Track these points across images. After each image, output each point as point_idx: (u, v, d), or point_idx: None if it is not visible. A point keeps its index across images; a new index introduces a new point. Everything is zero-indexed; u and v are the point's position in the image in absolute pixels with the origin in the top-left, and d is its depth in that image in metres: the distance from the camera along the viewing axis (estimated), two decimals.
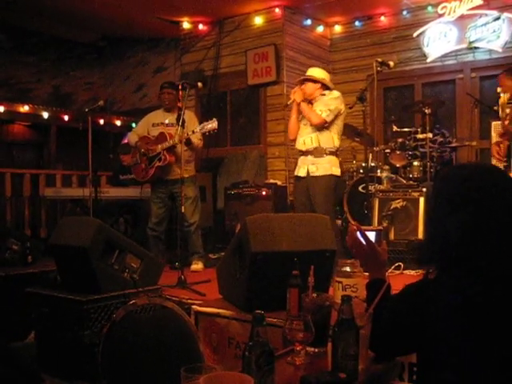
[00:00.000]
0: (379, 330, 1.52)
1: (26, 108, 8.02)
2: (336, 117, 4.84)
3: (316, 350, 1.67)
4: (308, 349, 1.63)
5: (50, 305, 3.59)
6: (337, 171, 4.89)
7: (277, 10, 7.10)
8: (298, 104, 4.93)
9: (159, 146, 5.15)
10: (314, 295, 1.76)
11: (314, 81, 4.94)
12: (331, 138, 4.87)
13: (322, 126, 4.81)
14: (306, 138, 4.90)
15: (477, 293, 1.39)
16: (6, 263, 4.70)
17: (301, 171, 4.96)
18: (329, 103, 4.82)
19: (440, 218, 1.52)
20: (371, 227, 2.29)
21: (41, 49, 9.02)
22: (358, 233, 1.86)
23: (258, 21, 7.26)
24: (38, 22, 8.14)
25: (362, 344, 1.42)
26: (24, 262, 4.82)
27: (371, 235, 1.91)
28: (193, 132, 4.85)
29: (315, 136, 4.86)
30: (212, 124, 4.79)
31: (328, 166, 4.83)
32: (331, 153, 4.86)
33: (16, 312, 4.06)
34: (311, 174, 4.85)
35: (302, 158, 4.99)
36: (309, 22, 7.47)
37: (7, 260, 4.76)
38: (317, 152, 4.84)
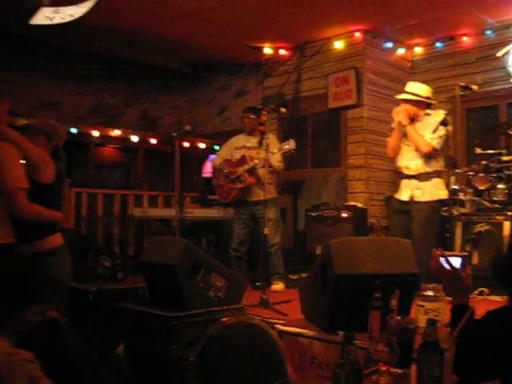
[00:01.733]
0: (463, 354, 1.56)
1: (117, 132, 8.46)
2: (445, 142, 4.67)
3: (400, 371, 1.73)
4: (392, 370, 1.69)
5: (139, 319, 3.75)
6: (444, 194, 4.71)
7: (357, 34, 7.18)
8: (404, 126, 4.68)
9: (240, 168, 5.34)
10: (399, 318, 1.81)
11: (416, 99, 4.66)
12: (437, 162, 4.71)
13: (431, 153, 4.62)
14: (411, 164, 4.71)
15: None
16: (98, 279, 4.91)
17: (403, 195, 4.76)
18: (438, 130, 4.57)
19: None
20: (457, 253, 2.30)
21: (130, 76, 9.52)
22: (442, 258, 1.90)
23: (339, 45, 7.36)
24: (127, 50, 8.61)
25: (446, 367, 1.47)
26: (114, 278, 5.03)
27: (457, 261, 1.94)
28: (272, 154, 4.96)
29: (421, 163, 4.67)
30: (289, 145, 4.91)
31: (434, 191, 4.65)
32: (437, 175, 4.69)
33: (106, 325, 4.26)
34: (415, 199, 4.66)
35: (405, 181, 4.78)
36: (389, 44, 7.49)
37: (99, 276, 4.99)
38: (422, 177, 4.67)
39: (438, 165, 4.72)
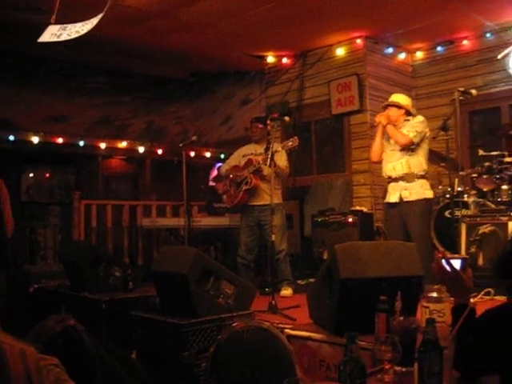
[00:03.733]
0: (463, 350, 1.63)
1: (123, 144, 8.57)
2: (422, 140, 4.90)
3: (404, 369, 1.80)
4: (396, 368, 1.77)
5: (151, 327, 3.81)
6: (429, 194, 4.93)
7: (358, 40, 7.27)
8: (384, 126, 5.00)
9: (246, 171, 5.43)
10: (401, 318, 1.89)
11: (399, 106, 5.02)
12: (420, 162, 4.91)
13: (409, 147, 4.86)
14: (396, 164, 4.94)
15: None
16: (110, 289, 4.99)
17: (392, 197, 4.97)
18: (415, 125, 4.89)
19: None
20: (457, 255, 2.37)
21: (135, 87, 9.64)
22: (444, 260, 1.98)
23: (340, 52, 7.46)
24: (132, 63, 8.74)
25: (446, 364, 1.54)
26: (126, 288, 5.11)
27: (457, 263, 2.01)
28: (276, 151, 5.00)
29: (405, 161, 4.90)
30: (293, 142, 5.01)
31: (421, 190, 4.86)
32: (422, 176, 4.90)
33: (119, 333, 4.33)
34: (405, 200, 4.86)
35: (392, 184, 5.01)
36: (390, 50, 7.58)
37: (111, 286, 5.06)
38: (408, 177, 4.87)
39: (422, 167, 4.92)
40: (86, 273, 5.02)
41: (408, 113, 5.05)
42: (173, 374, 3.60)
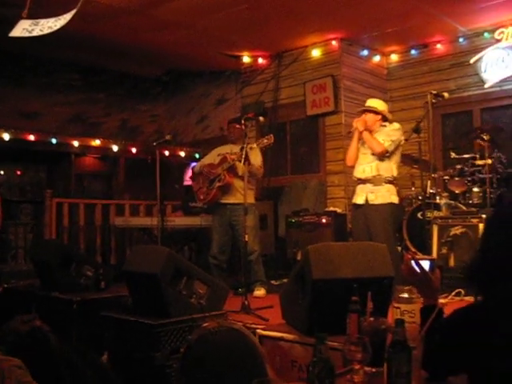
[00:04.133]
0: (431, 350, 1.65)
1: (97, 142, 8.48)
2: (396, 148, 4.94)
3: (373, 369, 1.81)
4: (366, 368, 1.78)
5: (123, 328, 3.77)
6: (395, 199, 4.96)
7: (334, 42, 7.31)
8: (361, 132, 5.01)
9: (219, 168, 5.42)
10: (371, 319, 1.90)
11: (376, 112, 5.04)
12: (390, 168, 4.95)
13: (383, 156, 4.90)
14: (366, 167, 4.99)
15: None
16: (81, 289, 4.93)
17: (359, 199, 5.03)
18: (390, 134, 4.92)
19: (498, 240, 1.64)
20: (425, 256, 2.40)
21: (109, 85, 9.56)
22: (413, 261, 1.99)
23: (316, 53, 7.49)
24: (107, 60, 8.65)
25: (414, 364, 1.56)
26: (97, 288, 5.05)
27: (425, 264, 2.03)
28: (250, 148, 4.99)
29: (375, 165, 4.94)
30: (268, 139, 5.02)
31: (387, 195, 4.90)
32: (389, 181, 4.94)
33: (90, 334, 4.28)
34: (370, 202, 4.92)
35: (360, 186, 5.06)
36: (365, 52, 7.64)
37: (82, 285, 5.01)
38: (376, 180, 4.92)
39: (391, 172, 4.96)
40: (57, 272, 4.95)
41: (384, 118, 5.09)
42: (145, 375, 3.56)
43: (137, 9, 6.26)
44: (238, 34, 7.18)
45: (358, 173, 5.07)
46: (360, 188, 5.06)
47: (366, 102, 5.30)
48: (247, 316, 4.23)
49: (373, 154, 4.95)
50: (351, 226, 5.54)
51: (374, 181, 4.93)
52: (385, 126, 5.03)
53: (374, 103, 5.18)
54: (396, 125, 5.01)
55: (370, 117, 5.04)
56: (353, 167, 5.17)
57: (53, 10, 4.22)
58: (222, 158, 5.50)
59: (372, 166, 4.96)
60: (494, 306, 1.56)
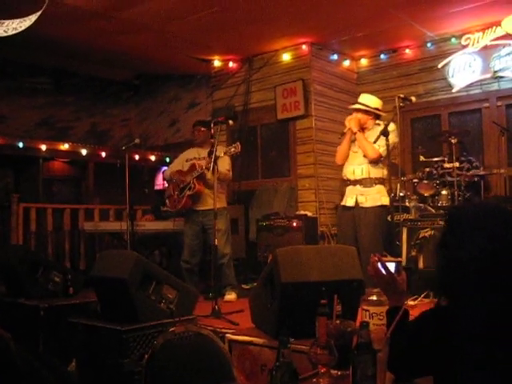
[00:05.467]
0: (396, 352, 1.65)
1: (65, 146, 8.36)
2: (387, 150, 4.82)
3: (339, 372, 1.81)
4: (332, 371, 1.77)
5: (91, 334, 3.71)
6: (386, 200, 4.90)
7: (304, 46, 7.33)
8: (354, 133, 4.92)
9: (189, 177, 5.39)
10: (338, 322, 1.90)
11: (368, 111, 4.94)
12: (381, 169, 4.91)
13: (377, 161, 4.85)
14: (357, 168, 4.92)
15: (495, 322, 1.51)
16: (48, 294, 4.83)
17: (349, 201, 4.96)
18: (380, 138, 4.76)
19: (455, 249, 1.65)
20: (391, 259, 2.41)
21: (79, 88, 9.44)
22: (379, 264, 2.00)
23: (286, 57, 7.51)
24: (76, 63, 8.54)
25: (379, 366, 1.55)
26: (66, 294, 4.96)
27: (391, 266, 2.04)
28: (218, 157, 4.96)
29: (366, 167, 4.89)
30: (235, 148, 5.01)
31: (377, 197, 4.86)
32: (380, 182, 4.89)
33: (58, 341, 4.21)
34: (360, 205, 4.86)
35: (350, 187, 4.99)
36: (335, 56, 7.68)
37: (50, 291, 4.92)
38: (366, 182, 4.87)
39: (381, 172, 4.91)
40: (24, 278, 4.85)
41: (377, 115, 5.01)
42: (113, 382, 3.52)
43: (104, 11, 6.19)
44: (208, 37, 7.15)
45: (348, 173, 5.00)
46: (350, 190, 5.00)
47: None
48: (217, 320, 4.22)
49: (365, 157, 4.89)
50: (337, 228, 5.45)
51: (364, 182, 4.88)
52: (379, 124, 4.94)
53: (367, 100, 5.06)
54: (392, 126, 4.85)
55: (362, 115, 4.94)
56: (342, 166, 5.09)
57: (18, 11, 4.15)
58: (190, 166, 5.47)
59: (363, 169, 4.89)
60: (457, 309, 1.57)
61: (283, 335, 1.51)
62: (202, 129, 5.59)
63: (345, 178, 5.09)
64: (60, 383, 1.88)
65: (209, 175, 5.24)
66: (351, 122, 4.94)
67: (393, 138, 4.81)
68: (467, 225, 1.65)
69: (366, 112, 4.95)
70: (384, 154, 4.80)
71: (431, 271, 5.05)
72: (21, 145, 7.88)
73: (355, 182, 4.93)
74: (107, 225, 7.16)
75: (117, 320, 3.61)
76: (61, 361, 4.09)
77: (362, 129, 4.93)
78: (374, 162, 4.86)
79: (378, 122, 4.99)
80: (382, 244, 4.99)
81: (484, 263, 1.56)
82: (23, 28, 3.97)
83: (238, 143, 5.03)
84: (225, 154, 5.08)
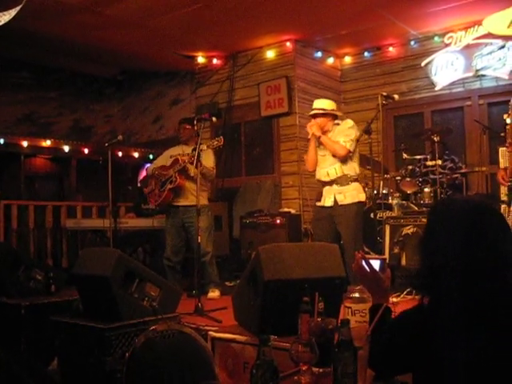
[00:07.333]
0: (377, 349, 1.65)
1: (47, 142, 8.29)
2: (356, 145, 4.95)
3: (321, 370, 1.81)
4: (313, 369, 1.77)
5: (73, 332, 3.68)
6: (363, 197, 4.98)
7: (288, 43, 7.34)
8: (318, 137, 4.98)
9: (171, 170, 5.37)
10: (319, 319, 1.90)
11: (325, 114, 5.02)
12: (353, 166, 4.95)
13: (347, 157, 4.88)
14: (330, 170, 4.95)
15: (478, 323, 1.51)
16: (30, 293, 4.78)
17: (327, 201, 4.97)
18: (348, 133, 4.89)
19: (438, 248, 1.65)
20: (376, 256, 2.41)
21: (61, 84, 9.36)
22: (363, 261, 2.00)
23: (270, 54, 7.51)
24: (59, 58, 8.46)
25: (360, 364, 1.56)
26: (47, 292, 4.91)
27: (376, 263, 2.03)
28: (201, 150, 4.93)
29: (339, 166, 4.92)
30: (218, 141, 5.01)
31: (355, 193, 4.90)
32: (355, 179, 4.94)
33: (40, 339, 4.17)
34: (340, 203, 4.88)
35: (326, 188, 5.00)
36: (319, 54, 7.70)
37: (31, 289, 4.86)
38: (341, 180, 4.90)
39: (354, 169, 4.97)
40: (5, 276, 4.79)
41: (335, 116, 5.09)
42: (96, 380, 3.49)
43: (88, 6, 6.13)
44: (192, 34, 7.12)
45: (322, 176, 5.03)
46: (327, 190, 5.01)
47: (331, 99, 5.28)
48: (200, 318, 4.21)
49: (334, 156, 4.93)
50: (313, 227, 5.48)
51: (340, 181, 4.91)
52: (338, 124, 5.03)
53: (322, 104, 5.14)
54: (350, 122, 4.98)
55: (321, 119, 5.01)
56: (315, 171, 5.13)
57: None
58: (173, 160, 5.45)
59: (336, 168, 4.93)
60: (438, 306, 1.58)
61: (264, 333, 1.51)
62: (188, 126, 5.56)
63: (318, 180, 5.13)
64: (37, 382, 1.86)
65: (192, 170, 5.20)
66: (313, 127, 4.99)
67: (354, 132, 4.91)
68: (447, 223, 1.65)
69: (323, 115, 5.02)
70: (352, 148, 4.87)
71: (414, 268, 5.10)
72: (2, 141, 7.79)
73: (331, 183, 4.97)
74: (90, 222, 7.12)
75: (99, 318, 3.58)
76: (42, 359, 4.08)
77: (324, 132, 4.99)
78: (344, 159, 4.91)
79: (336, 121, 5.06)
80: (362, 240, 5.06)
81: (462, 263, 1.56)
82: (3, 22, 3.92)
83: (221, 137, 5.04)
84: (208, 147, 5.07)
